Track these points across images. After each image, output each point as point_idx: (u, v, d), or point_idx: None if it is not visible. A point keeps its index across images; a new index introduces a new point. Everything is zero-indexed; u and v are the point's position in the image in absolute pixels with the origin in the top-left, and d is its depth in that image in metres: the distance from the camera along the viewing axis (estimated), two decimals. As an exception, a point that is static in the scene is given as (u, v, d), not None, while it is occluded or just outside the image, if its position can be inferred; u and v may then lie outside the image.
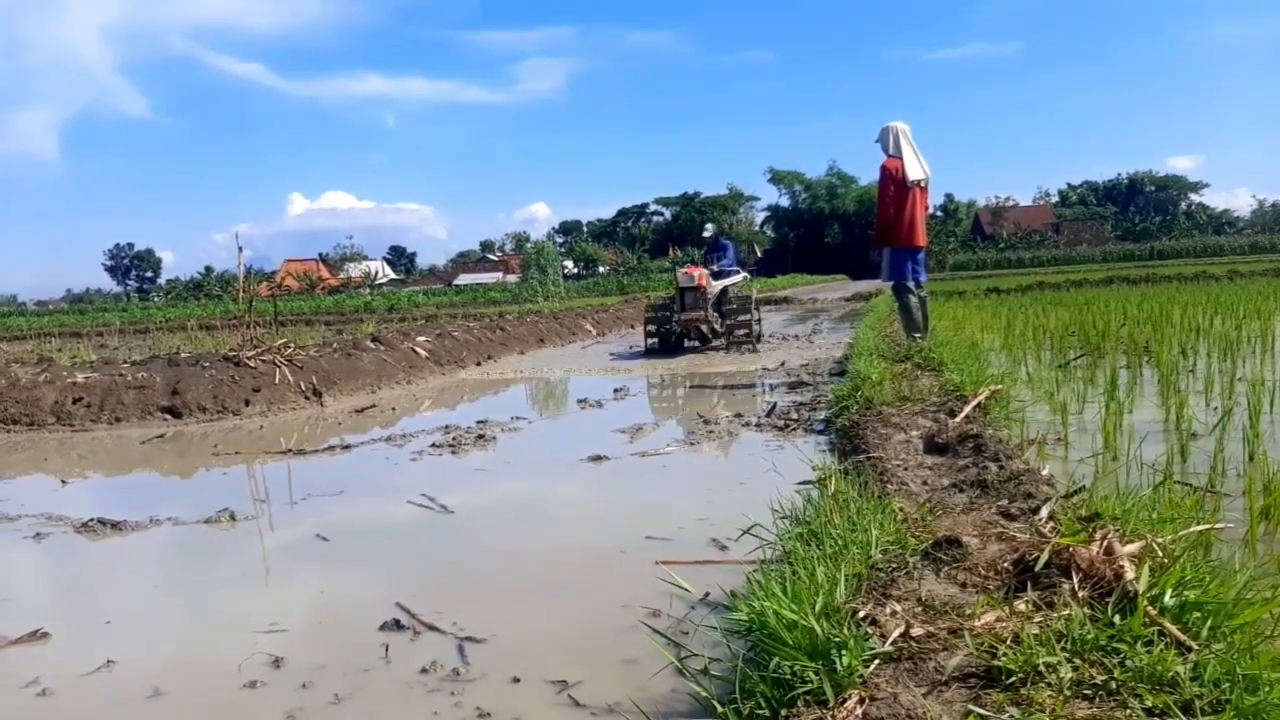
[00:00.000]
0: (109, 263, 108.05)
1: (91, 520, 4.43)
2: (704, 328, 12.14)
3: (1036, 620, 2.09)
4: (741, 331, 12.28)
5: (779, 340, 13.94)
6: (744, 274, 13.87)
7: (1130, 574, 2.17)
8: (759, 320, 12.89)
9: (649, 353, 12.56)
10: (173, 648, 2.94)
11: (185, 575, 3.83)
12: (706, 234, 14.31)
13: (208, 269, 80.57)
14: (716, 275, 12.88)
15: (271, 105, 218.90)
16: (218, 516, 4.44)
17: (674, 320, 12.28)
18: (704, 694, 2.12)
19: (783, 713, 1.85)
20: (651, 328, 12.78)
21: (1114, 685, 1.77)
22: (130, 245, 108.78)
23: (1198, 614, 2.01)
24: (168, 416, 8.07)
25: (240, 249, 11.34)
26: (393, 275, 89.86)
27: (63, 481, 5.76)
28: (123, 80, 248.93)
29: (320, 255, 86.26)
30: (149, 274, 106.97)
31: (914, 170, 8.27)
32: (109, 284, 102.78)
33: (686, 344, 12.81)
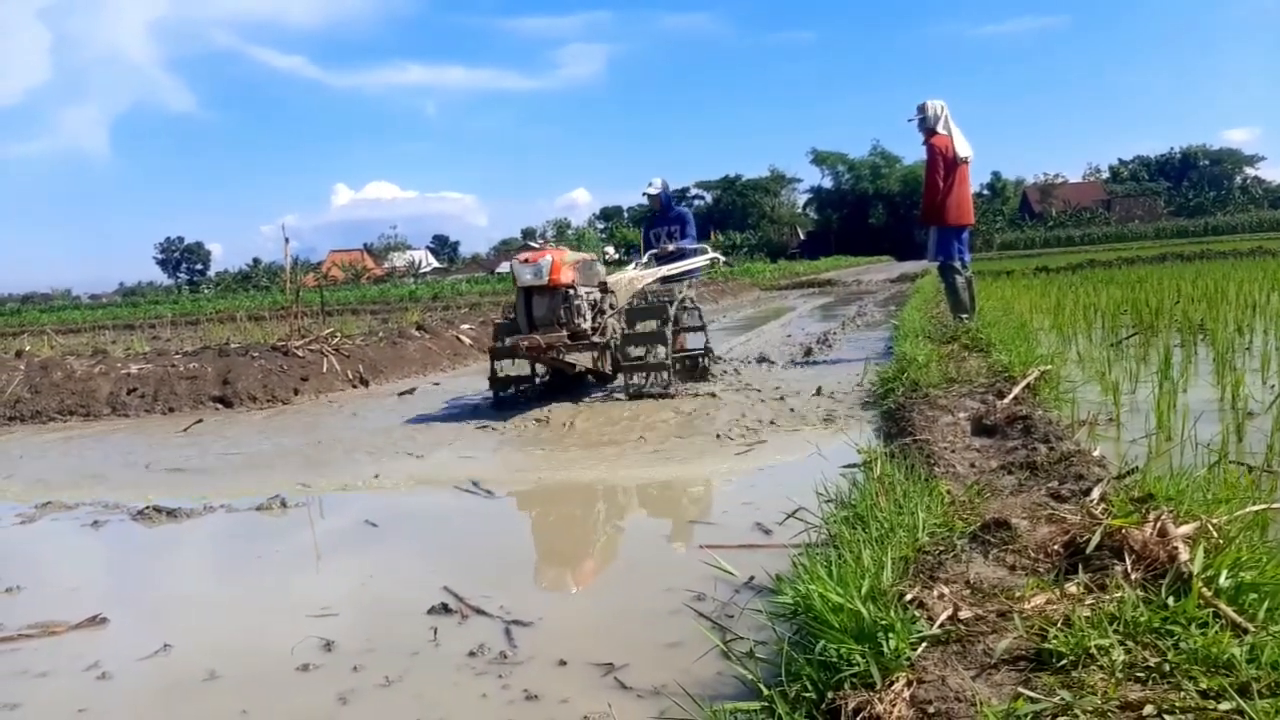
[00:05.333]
0: (160, 256, 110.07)
1: (147, 508, 4.52)
2: (571, 359, 6.73)
3: (1088, 603, 2.06)
4: (686, 360, 7.45)
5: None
6: (713, 255, 9.46)
7: (1184, 555, 2.13)
8: (705, 332, 7.68)
9: (498, 404, 6.96)
10: (227, 632, 3.00)
11: (238, 561, 3.90)
12: (651, 191, 8.79)
13: (255, 261, 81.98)
14: (662, 258, 8.28)
15: (314, 97, 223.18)
16: (269, 503, 4.51)
17: (516, 346, 6.42)
18: (750, 677, 2.12)
19: (829, 695, 1.85)
20: (499, 364, 7.09)
21: (1167, 667, 1.74)
22: (180, 239, 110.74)
23: (1254, 595, 1.97)
24: (219, 406, 8.23)
25: (287, 240, 11.50)
26: (436, 264, 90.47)
27: (120, 470, 5.88)
28: (169, 76, 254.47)
29: (365, 245, 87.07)
30: (199, 266, 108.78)
31: (962, 147, 8.20)
32: (160, 277, 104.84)
33: (594, 382, 7.58)
